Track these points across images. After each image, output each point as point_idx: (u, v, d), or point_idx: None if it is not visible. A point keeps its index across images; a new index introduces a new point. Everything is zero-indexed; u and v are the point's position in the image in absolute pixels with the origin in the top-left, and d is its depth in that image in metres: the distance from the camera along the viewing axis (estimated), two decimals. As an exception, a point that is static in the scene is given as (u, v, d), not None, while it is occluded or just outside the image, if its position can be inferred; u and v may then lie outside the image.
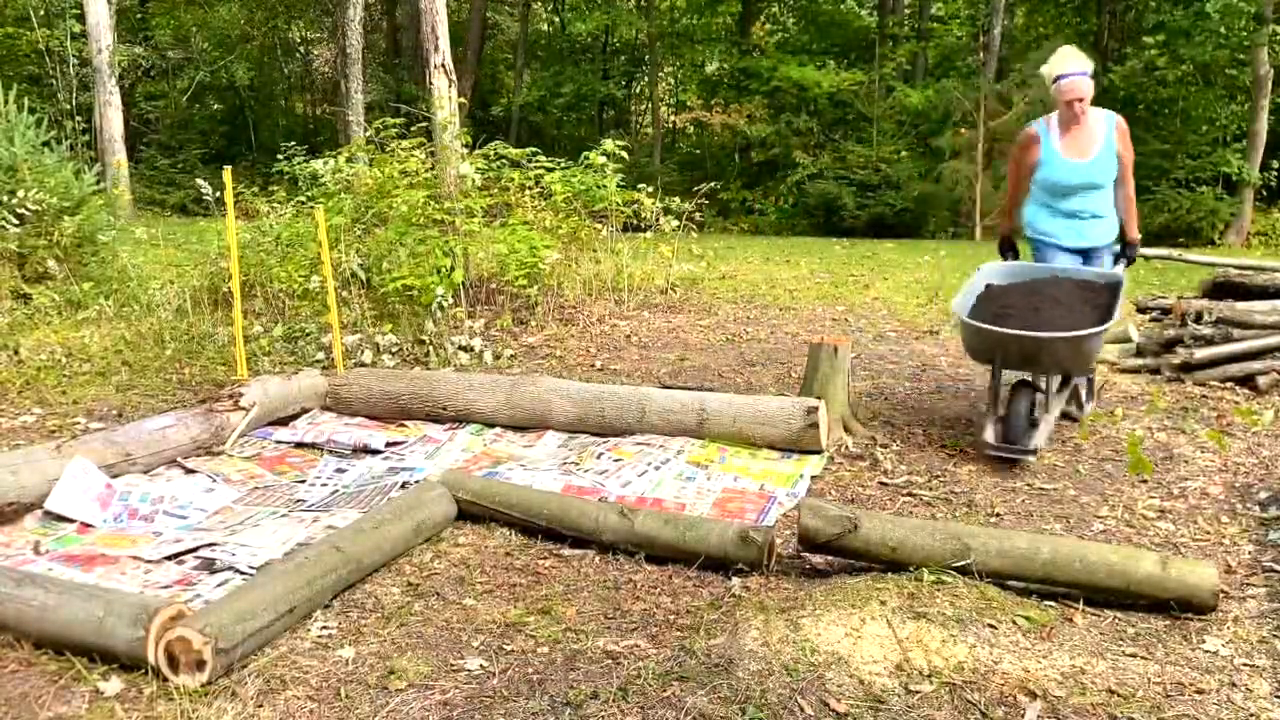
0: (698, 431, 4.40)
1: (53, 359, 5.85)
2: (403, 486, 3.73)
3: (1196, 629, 2.65)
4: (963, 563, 2.81)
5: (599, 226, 8.40)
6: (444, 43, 7.52)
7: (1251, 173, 17.55)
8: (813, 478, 3.95)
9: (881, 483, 3.93)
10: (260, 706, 2.25)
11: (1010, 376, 4.32)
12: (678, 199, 9.28)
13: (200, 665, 2.30)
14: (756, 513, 3.57)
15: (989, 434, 4.15)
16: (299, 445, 4.39)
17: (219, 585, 2.86)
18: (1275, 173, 17.97)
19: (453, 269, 6.74)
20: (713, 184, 13.12)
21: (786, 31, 26.09)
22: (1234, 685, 2.36)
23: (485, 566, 3.08)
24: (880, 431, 4.61)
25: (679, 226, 8.99)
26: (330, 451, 4.30)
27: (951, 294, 9.71)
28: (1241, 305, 5.62)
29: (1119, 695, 2.31)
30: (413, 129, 7.77)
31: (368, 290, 7.00)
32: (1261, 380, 5.32)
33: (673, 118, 25.85)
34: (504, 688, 2.35)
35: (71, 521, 3.37)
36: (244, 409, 4.40)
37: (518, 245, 7.09)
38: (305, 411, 4.87)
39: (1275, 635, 2.61)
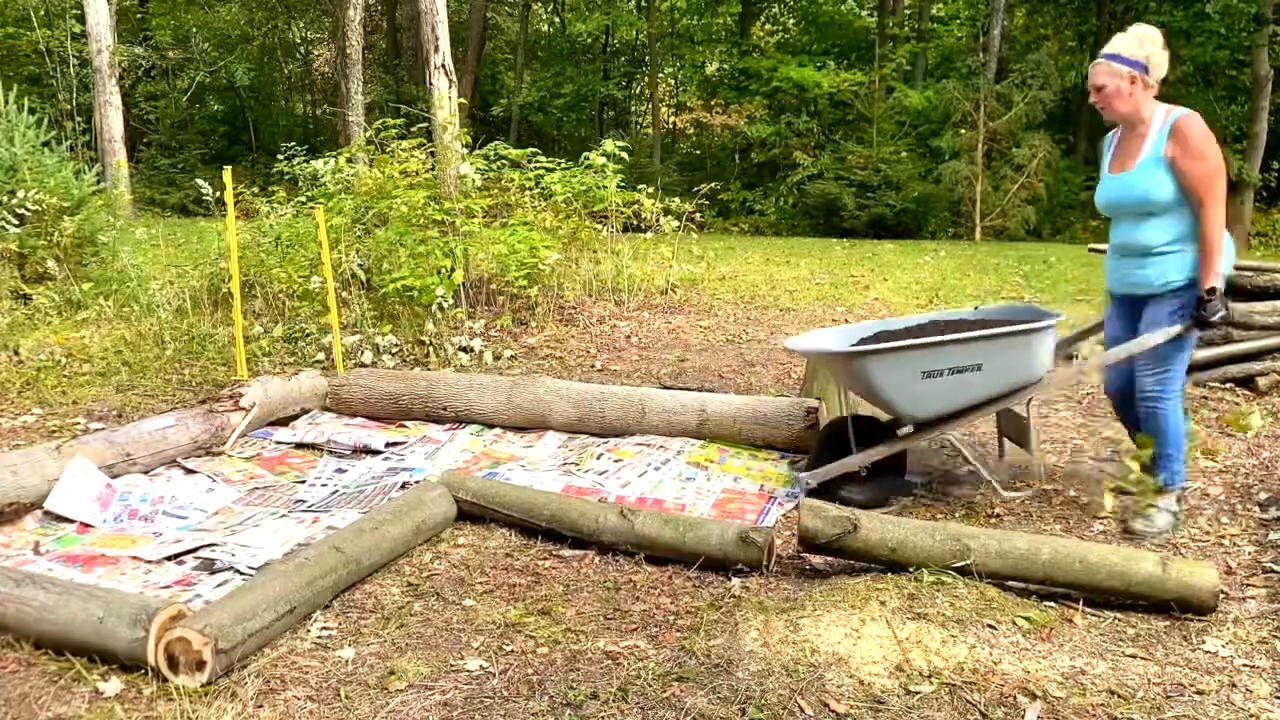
0: (698, 432, 4.40)
1: (53, 359, 5.85)
2: (403, 487, 3.73)
3: (1197, 630, 2.65)
4: (962, 563, 2.81)
5: (599, 227, 8.41)
6: (444, 43, 7.52)
7: (1252, 173, 17.56)
8: (813, 478, 3.94)
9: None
10: (260, 707, 2.25)
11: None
12: (678, 199, 9.28)
13: (200, 665, 2.30)
14: (756, 513, 3.57)
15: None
16: (299, 446, 4.39)
17: (219, 585, 2.86)
18: (1275, 174, 17.98)
19: (453, 269, 6.75)
20: (713, 184, 13.12)
21: (786, 32, 26.10)
22: (1234, 686, 2.36)
23: (485, 567, 3.08)
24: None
25: (679, 227, 8.99)
26: (330, 452, 4.29)
27: (952, 295, 9.71)
28: (1241, 306, 5.62)
29: (1119, 696, 2.31)
30: (413, 129, 7.77)
31: (368, 291, 7.00)
32: (1262, 381, 5.32)
33: (673, 118, 25.87)
34: (504, 688, 2.35)
35: (71, 522, 3.37)
36: (244, 409, 4.40)
37: (518, 246, 7.10)
38: (305, 412, 4.87)
39: (1275, 636, 2.61)
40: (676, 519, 3.18)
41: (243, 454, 4.25)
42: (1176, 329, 3.32)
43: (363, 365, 5.87)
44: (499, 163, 7.88)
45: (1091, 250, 7.25)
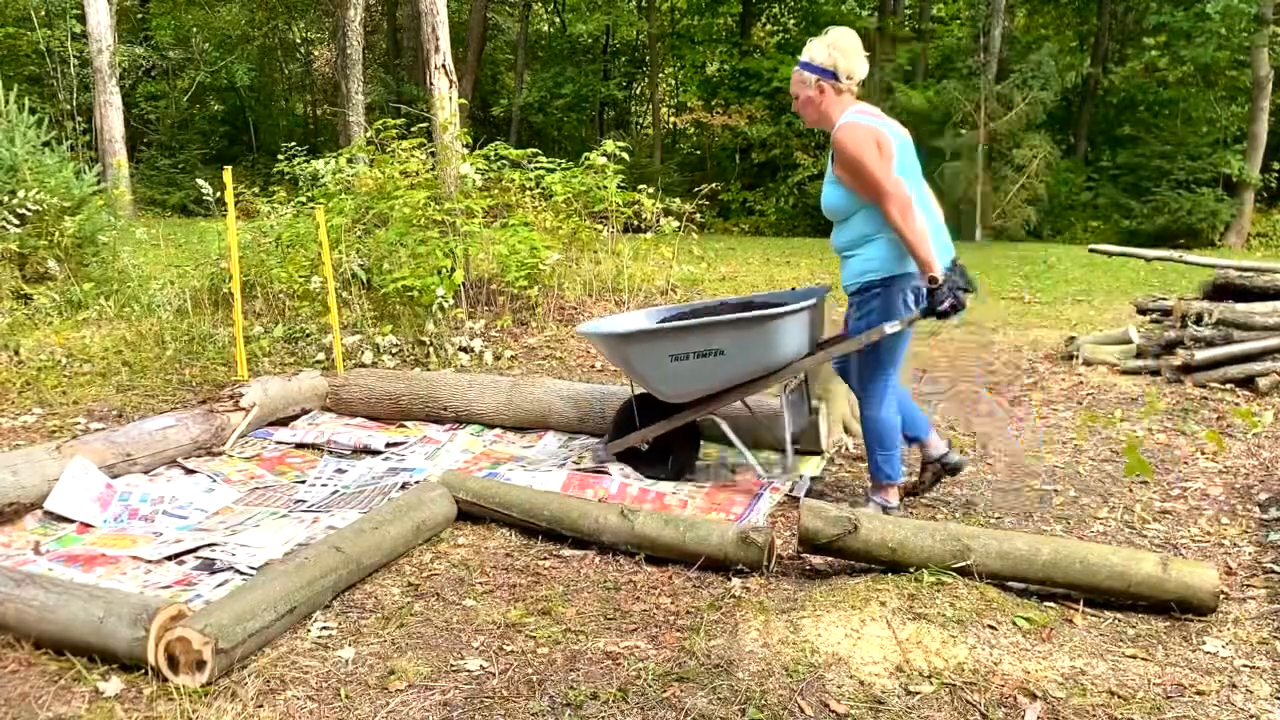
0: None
1: (53, 359, 5.85)
2: (403, 487, 3.73)
3: (1197, 630, 2.65)
4: (963, 564, 2.81)
5: (599, 227, 8.41)
6: (445, 43, 7.52)
7: (1252, 174, 17.56)
8: (813, 478, 3.95)
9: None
10: (260, 707, 2.25)
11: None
12: (678, 200, 9.28)
13: (200, 665, 2.30)
14: (745, 504, 3.57)
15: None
16: (299, 446, 4.39)
17: (219, 585, 2.86)
18: (1275, 174, 17.98)
19: (453, 270, 6.75)
20: (713, 185, 13.12)
21: (787, 32, 26.09)
22: (1234, 686, 2.36)
23: (485, 567, 3.08)
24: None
25: (679, 227, 8.98)
26: (330, 452, 4.30)
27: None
28: (1242, 307, 5.62)
29: (1119, 696, 2.31)
30: (413, 130, 7.77)
31: (368, 291, 7.00)
32: (1262, 382, 5.32)
33: (673, 119, 25.86)
34: (504, 688, 2.35)
35: (72, 522, 3.37)
36: (244, 409, 4.40)
37: (518, 246, 7.10)
38: (305, 412, 4.87)
39: (1275, 636, 2.61)
40: (676, 519, 3.18)
41: (243, 454, 4.25)
42: (896, 324, 3.29)
43: (363, 365, 5.87)
44: (499, 163, 7.88)
45: (1092, 251, 7.26)
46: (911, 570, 2.85)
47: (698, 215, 9.39)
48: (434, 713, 2.25)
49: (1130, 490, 3.85)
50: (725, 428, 3.88)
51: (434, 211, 6.94)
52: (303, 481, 3.93)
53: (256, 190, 8.29)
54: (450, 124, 7.37)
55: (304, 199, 7.93)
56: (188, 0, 24.00)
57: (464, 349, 6.32)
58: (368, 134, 8.36)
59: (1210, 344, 5.56)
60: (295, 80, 27.42)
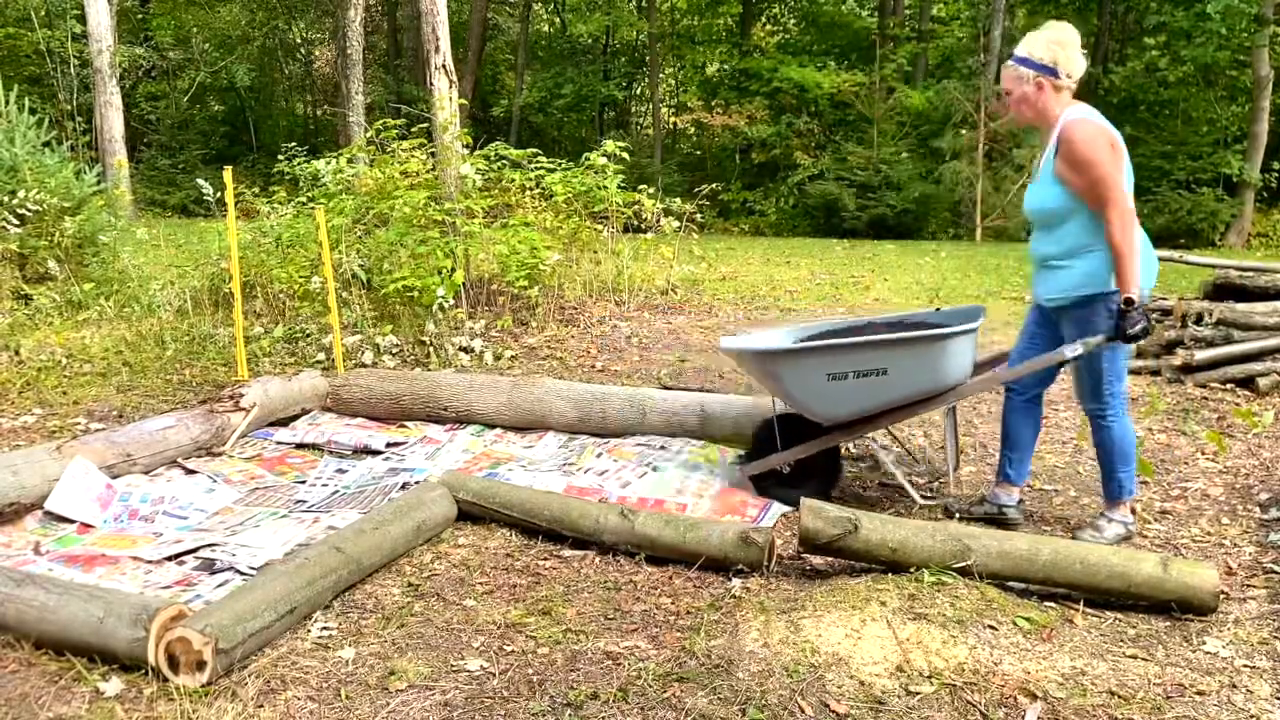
0: (698, 432, 4.40)
1: (53, 359, 5.85)
2: (403, 487, 3.73)
3: (1197, 630, 2.65)
4: (963, 564, 2.81)
5: (599, 227, 8.41)
6: (445, 44, 7.52)
7: (1252, 174, 17.56)
8: (813, 479, 3.94)
9: (882, 484, 3.93)
10: (260, 707, 2.25)
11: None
12: (678, 200, 9.29)
13: (200, 666, 2.30)
14: (759, 509, 3.57)
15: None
16: (299, 446, 4.39)
17: (219, 586, 2.86)
18: (1276, 174, 17.98)
19: (453, 270, 6.75)
20: (713, 185, 13.13)
21: (787, 32, 26.11)
22: (1234, 687, 2.36)
23: (486, 567, 3.08)
24: (881, 433, 4.61)
25: (679, 227, 8.99)
26: (331, 452, 4.30)
27: (952, 295, 9.71)
28: (1242, 306, 5.62)
29: (1119, 696, 2.31)
30: (413, 130, 7.77)
31: (368, 291, 7.00)
32: (1262, 381, 5.32)
33: (673, 119, 25.86)
34: (504, 688, 2.35)
35: (72, 522, 3.37)
36: (244, 410, 4.40)
37: (518, 246, 7.10)
38: (306, 412, 4.87)
39: (1276, 637, 2.61)
40: (677, 519, 3.18)
41: (243, 454, 4.25)
42: (1078, 347, 3.17)
43: (363, 366, 5.87)
44: (499, 163, 7.88)
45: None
46: (912, 570, 2.85)
47: (698, 215, 9.40)
48: (434, 713, 2.24)
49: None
50: (880, 453, 3.77)
51: (434, 212, 6.94)
52: (303, 482, 3.93)
53: (257, 190, 8.29)
54: (450, 124, 7.37)
55: (304, 199, 7.93)
56: (188, 0, 24.00)
57: (464, 349, 6.32)
58: (368, 134, 8.37)
59: (1210, 344, 5.56)
60: (295, 80, 27.42)
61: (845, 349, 3.49)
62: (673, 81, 26.79)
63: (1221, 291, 5.94)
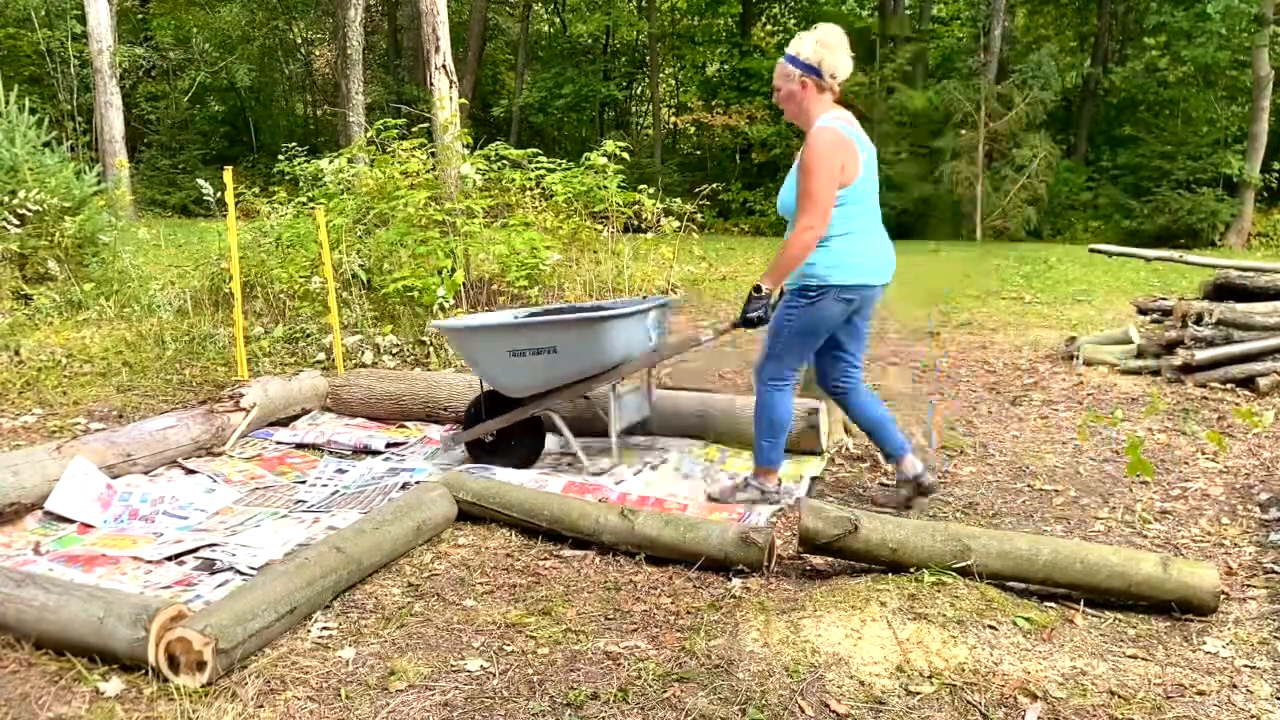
0: (699, 432, 4.39)
1: (53, 359, 5.85)
2: (403, 487, 3.73)
3: (1197, 630, 2.65)
4: (963, 564, 2.81)
5: (600, 227, 8.41)
6: (445, 44, 7.52)
7: (1252, 174, 17.56)
8: (813, 479, 3.95)
9: (882, 484, 3.93)
10: (260, 707, 2.25)
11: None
12: (678, 200, 9.29)
13: (200, 666, 2.30)
14: (746, 509, 3.56)
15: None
16: (299, 446, 4.39)
17: (219, 586, 2.86)
18: (1276, 174, 17.97)
19: (454, 270, 6.75)
20: (713, 185, 13.12)
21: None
22: (1234, 687, 2.36)
23: (486, 567, 3.08)
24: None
25: (680, 228, 8.99)
26: (331, 452, 4.29)
27: (953, 294, 9.71)
28: (1242, 307, 5.63)
29: (1119, 696, 2.31)
30: (414, 130, 7.77)
31: (368, 291, 7.00)
32: (1262, 381, 5.32)
33: (673, 119, 25.86)
34: (504, 688, 2.35)
35: (72, 522, 3.37)
36: (244, 410, 4.40)
37: (519, 246, 7.10)
38: (306, 412, 4.87)
39: (1276, 636, 2.61)
40: (677, 519, 3.18)
41: (243, 454, 4.25)
42: (709, 332, 3.83)
43: (363, 366, 5.87)
44: (500, 163, 7.88)
45: (1092, 251, 7.26)
46: (912, 570, 2.85)
47: (698, 215, 9.40)
48: (434, 713, 2.24)
49: (1131, 490, 3.85)
50: (559, 422, 4.10)
51: (434, 212, 6.94)
52: (303, 482, 3.93)
53: (257, 190, 8.29)
54: (451, 124, 7.37)
55: (304, 199, 7.93)
56: (188, 0, 24.00)
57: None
58: (368, 134, 8.37)
59: (1211, 344, 5.56)
60: (295, 80, 27.43)
61: (520, 328, 3.93)
62: (673, 81, 26.80)
63: (1222, 291, 5.94)
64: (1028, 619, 2.66)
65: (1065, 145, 20.21)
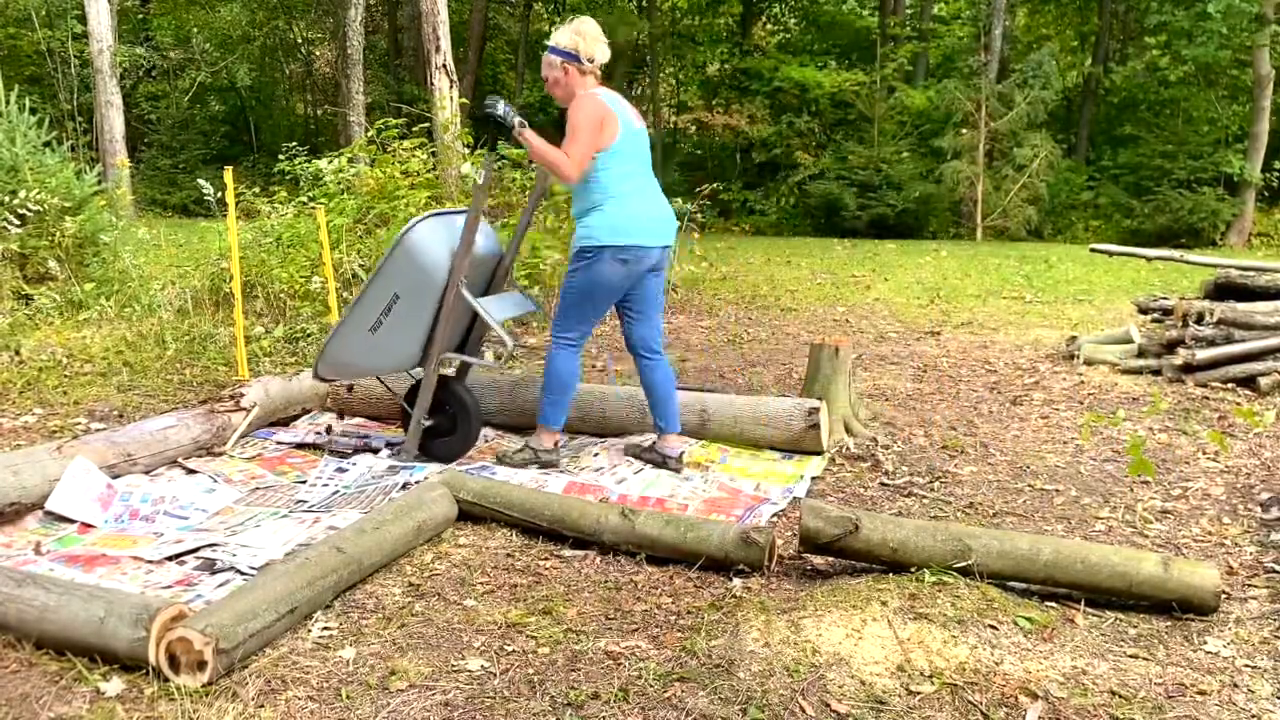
0: (699, 432, 4.39)
1: (54, 359, 5.85)
2: (404, 487, 3.73)
3: (1198, 630, 2.65)
4: (964, 564, 2.81)
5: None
6: (445, 43, 7.52)
7: (1253, 173, 17.56)
8: (814, 478, 3.95)
9: (883, 483, 3.93)
10: (261, 707, 2.25)
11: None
12: (679, 199, 9.29)
13: (201, 666, 2.30)
14: (745, 511, 3.56)
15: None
16: (300, 446, 4.38)
17: (220, 586, 2.86)
18: (1277, 173, 17.97)
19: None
20: (714, 184, 13.13)
21: (788, 32, 26.11)
22: (1236, 686, 2.36)
23: (486, 567, 3.08)
24: (881, 432, 4.61)
25: (680, 227, 8.98)
26: (331, 452, 4.29)
27: (953, 294, 9.71)
28: (1243, 306, 5.62)
29: (1120, 696, 2.30)
30: (414, 129, 7.77)
31: (369, 291, 6.99)
32: (1263, 381, 5.32)
33: (674, 118, 25.87)
34: (505, 688, 2.35)
35: (72, 522, 3.37)
36: (245, 409, 4.40)
37: (519, 246, 7.09)
38: (306, 412, 4.87)
39: (1277, 636, 2.61)
40: (677, 519, 3.18)
41: (244, 454, 4.25)
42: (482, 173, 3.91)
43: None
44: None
45: (1093, 250, 7.26)
46: (913, 570, 2.85)
47: (699, 215, 9.40)
48: (435, 713, 2.24)
49: (1132, 490, 3.85)
50: (479, 308, 3.88)
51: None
52: (303, 481, 3.93)
53: (257, 190, 8.30)
54: (451, 124, 7.38)
55: (305, 199, 7.93)
56: (188, 0, 24.01)
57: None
58: (369, 134, 8.36)
59: (1211, 343, 5.56)
60: (296, 80, 27.42)
61: (356, 304, 3.86)
62: (673, 81, 26.80)
63: (1222, 291, 5.94)
64: (1029, 619, 2.65)
65: (1066, 144, 20.20)
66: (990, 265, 12.79)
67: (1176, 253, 7.17)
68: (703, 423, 4.38)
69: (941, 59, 22.51)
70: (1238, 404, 5.13)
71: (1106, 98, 21.55)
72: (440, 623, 2.69)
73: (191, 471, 3.92)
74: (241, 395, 4.45)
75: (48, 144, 7.80)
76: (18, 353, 5.92)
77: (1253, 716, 2.24)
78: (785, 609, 2.73)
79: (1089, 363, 6.08)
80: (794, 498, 3.70)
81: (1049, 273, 11.92)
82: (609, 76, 23.02)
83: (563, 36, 3.76)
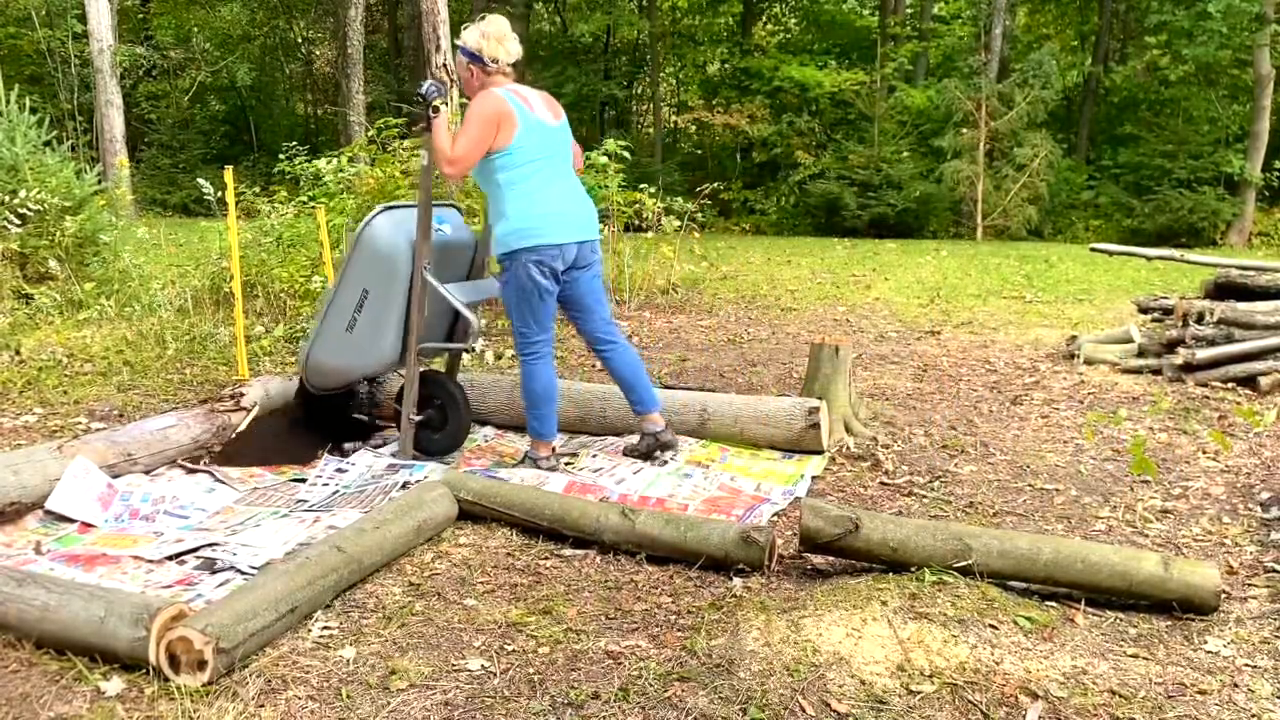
0: (699, 432, 4.39)
1: (54, 359, 5.85)
2: (403, 486, 3.73)
3: (1198, 630, 2.65)
4: (964, 563, 2.81)
5: (600, 227, 8.40)
6: (445, 43, 7.52)
7: (1253, 173, 17.55)
8: (814, 478, 3.95)
9: (883, 483, 3.93)
10: (261, 706, 2.25)
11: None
12: (679, 199, 9.29)
13: (201, 665, 2.30)
14: (745, 511, 3.56)
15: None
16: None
17: (220, 585, 2.86)
18: (1277, 173, 17.97)
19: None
20: (714, 184, 13.13)
21: (788, 32, 26.09)
22: (1236, 686, 2.36)
23: (486, 567, 3.08)
24: (881, 432, 4.61)
25: (680, 227, 8.99)
26: (331, 451, 4.29)
27: (953, 294, 9.71)
28: (1243, 306, 5.62)
29: (1120, 696, 2.30)
30: (414, 129, 7.76)
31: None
32: (1263, 381, 5.32)
33: (674, 118, 25.87)
34: (505, 688, 2.35)
35: (73, 521, 3.37)
36: (245, 409, 4.39)
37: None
38: (306, 411, 4.86)
39: (1277, 636, 2.61)
40: (677, 519, 3.18)
41: (244, 454, 4.24)
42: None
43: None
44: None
45: (1093, 250, 7.26)
46: (913, 570, 2.85)
47: (699, 214, 9.40)
48: (435, 712, 2.24)
49: (1132, 490, 3.85)
50: (442, 290, 3.86)
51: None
52: (303, 481, 3.93)
53: (257, 190, 8.30)
54: (452, 123, 7.37)
55: (305, 198, 7.93)
56: (188, 0, 24.00)
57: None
58: (369, 133, 8.36)
59: (1212, 343, 5.56)
60: (296, 80, 27.43)
61: (328, 304, 3.93)
62: (674, 81, 26.78)
63: (1223, 291, 5.93)
64: (1029, 618, 2.65)
65: (1066, 144, 20.19)
66: (990, 265, 12.79)
67: (1177, 252, 7.17)
68: (703, 422, 4.38)
69: (942, 59, 22.50)
70: (1238, 403, 5.13)
71: (1107, 97, 21.55)
72: (440, 622, 2.69)
73: (192, 471, 3.92)
74: (241, 395, 4.45)
75: (48, 144, 7.80)
76: (18, 352, 5.92)
77: (1253, 716, 2.24)
78: (785, 609, 2.73)
79: (1089, 362, 6.08)
80: (794, 497, 3.70)
81: (1049, 272, 11.91)
82: (607, 76, 22.83)
83: (469, 36, 3.79)
